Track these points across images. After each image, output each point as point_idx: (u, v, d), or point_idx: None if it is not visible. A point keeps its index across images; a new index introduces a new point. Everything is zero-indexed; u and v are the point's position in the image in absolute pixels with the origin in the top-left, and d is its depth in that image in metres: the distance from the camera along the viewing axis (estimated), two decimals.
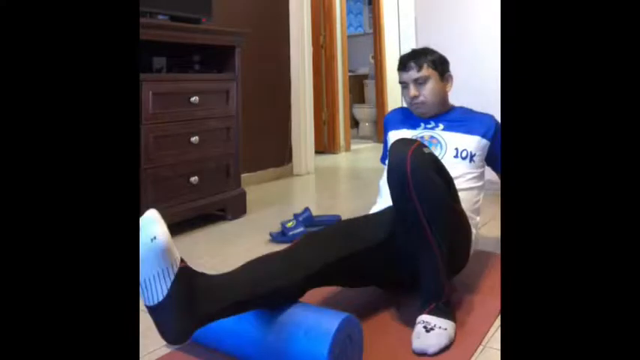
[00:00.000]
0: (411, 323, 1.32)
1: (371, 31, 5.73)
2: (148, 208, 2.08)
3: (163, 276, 0.99)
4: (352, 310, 1.25)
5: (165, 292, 0.99)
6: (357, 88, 6.28)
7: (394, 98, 5.19)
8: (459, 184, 1.47)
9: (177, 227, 2.35)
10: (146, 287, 1.00)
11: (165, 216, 2.17)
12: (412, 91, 1.65)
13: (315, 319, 1.14)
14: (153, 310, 1.01)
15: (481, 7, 2.97)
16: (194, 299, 1.03)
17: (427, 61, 1.65)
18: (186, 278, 1.03)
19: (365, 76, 6.31)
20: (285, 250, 1.27)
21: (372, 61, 5.83)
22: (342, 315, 1.14)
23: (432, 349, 1.21)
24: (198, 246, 2.15)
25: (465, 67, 3.04)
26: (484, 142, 1.66)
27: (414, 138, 1.49)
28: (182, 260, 1.05)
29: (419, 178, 1.23)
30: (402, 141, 1.31)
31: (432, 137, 1.66)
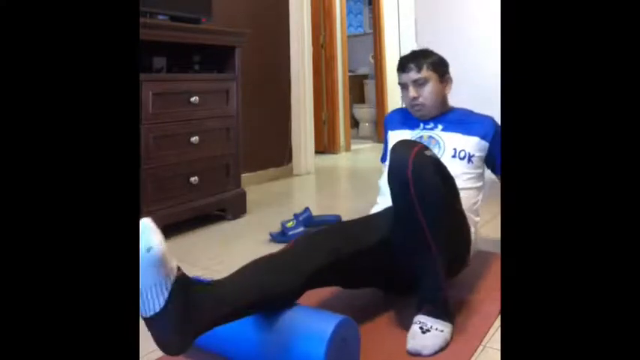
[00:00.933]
0: (409, 325, 1.31)
1: (371, 31, 5.73)
2: (148, 208, 2.10)
3: (160, 287, 0.99)
4: (349, 312, 1.24)
5: (162, 303, 0.98)
6: (357, 88, 6.28)
7: (394, 98, 5.18)
8: (457, 184, 1.48)
9: (176, 227, 2.35)
10: (143, 298, 0.99)
11: (165, 216, 2.19)
12: (412, 92, 1.65)
13: (312, 322, 1.14)
14: (150, 321, 1.00)
15: (481, 7, 2.97)
16: (191, 309, 1.02)
17: (427, 62, 1.65)
18: (183, 288, 1.02)
19: (365, 76, 6.31)
20: (281, 252, 1.26)
21: (372, 61, 5.83)
22: (338, 317, 1.13)
23: (426, 351, 1.21)
24: (197, 246, 2.15)
25: (465, 67, 3.04)
26: (483, 143, 1.66)
27: (413, 139, 1.50)
28: (178, 268, 1.05)
29: (420, 180, 1.22)
30: (404, 143, 1.30)
31: (430, 137, 1.66)
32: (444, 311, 1.29)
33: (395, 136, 1.74)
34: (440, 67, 1.69)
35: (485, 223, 2.37)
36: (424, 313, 1.28)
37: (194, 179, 2.34)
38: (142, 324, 1.42)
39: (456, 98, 3.03)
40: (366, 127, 6.09)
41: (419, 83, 1.64)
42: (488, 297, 1.52)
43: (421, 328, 1.25)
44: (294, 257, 1.23)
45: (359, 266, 1.35)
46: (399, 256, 1.38)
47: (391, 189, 1.29)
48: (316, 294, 1.49)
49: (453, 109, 1.77)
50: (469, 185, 1.59)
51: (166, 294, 0.99)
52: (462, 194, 1.48)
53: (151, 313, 0.98)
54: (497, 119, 3.03)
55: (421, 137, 1.67)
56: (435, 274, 1.28)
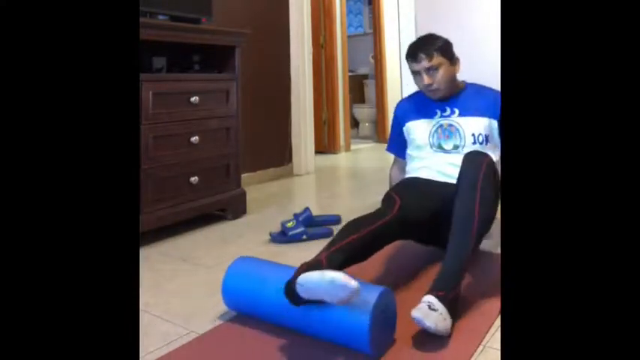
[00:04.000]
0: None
1: (371, 31, 5.72)
2: (147, 208, 2.10)
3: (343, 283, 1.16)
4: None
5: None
6: (357, 88, 6.28)
7: (394, 98, 5.18)
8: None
9: (176, 227, 2.36)
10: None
11: (165, 216, 2.19)
12: (426, 79, 1.78)
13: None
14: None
15: (481, 6, 2.97)
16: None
17: (436, 49, 1.77)
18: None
19: (365, 76, 6.31)
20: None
21: (372, 61, 5.83)
22: (380, 288, 1.23)
23: (429, 323, 1.23)
24: (198, 246, 2.15)
25: (465, 66, 3.04)
26: (491, 121, 1.82)
27: (435, 125, 1.81)
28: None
29: (486, 181, 1.46)
30: (475, 153, 1.54)
31: (450, 125, 1.81)
32: (453, 304, 1.33)
33: (415, 127, 1.88)
34: (448, 50, 1.82)
35: None
36: (435, 296, 1.30)
37: (194, 179, 2.34)
38: (141, 323, 1.43)
39: None
40: (366, 127, 6.08)
41: (432, 70, 1.77)
42: (488, 297, 1.52)
43: (429, 306, 1.27)
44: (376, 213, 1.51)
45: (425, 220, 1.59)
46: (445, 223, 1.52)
47: (462, 177, 1.50)
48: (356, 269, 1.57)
49: (465, 87, 1.92)
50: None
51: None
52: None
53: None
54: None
55: (442, 126, 1.81)
56: (461, 262, 1.38)
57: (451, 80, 1.83)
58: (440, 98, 1.84)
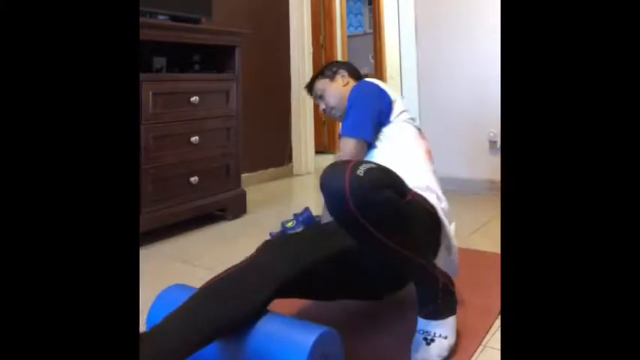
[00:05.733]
0: (395, 332, 1.27)
1: (371, 31, 5.72)
2: (147, 208, 2.10)
3: None
4: (329, 323, 1.12)
5: None
6: None
7: None
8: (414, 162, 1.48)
9: (176, 227, 2.36)
10: None
11: (165, 216, 2.19)
12: (320, 106, 1.75)
13: (290, 335, 1.04)
14: None
15: (481, 6, 2.97)
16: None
17: (316, 80, 1.77)
18: None
19: (365, 76, 6.30)
20: (244, 267, 1.22)
21: (372, 61, 5.83)
22: (320, 329, 1.03)
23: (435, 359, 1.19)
24: (198, 246, 2.15)
25: (465, 66, 3.04)
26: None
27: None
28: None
29: (361, 203, 1.08)
30: (333, 167, 1.14)
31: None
32: (446, 303, 1.25)
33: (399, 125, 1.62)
34: (325, 71, 1.78)
35: (484, 223, 2.37)
36: (425, 317, 1.23)
37: (194, 179, 2.34)
38: (142, 323, 1.43)
39: (457, 95, 3.05)
40: None
41: (319, 96, 1.74)
42: (488, 297, 1.52)
43: (425, 338, 1.21)
44: (258, 270, 1.19)
45: (328, 274, 1.29)
46: (369, 265, 1.33)
47: (334, 217, 1.16)
48: (290, 303, 1.40)
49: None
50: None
51: None
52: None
53: None
54: (498, 117, 3.03)
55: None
56: (419, 274, 1.22)
57: (339, 95, 1.69)
58: (341, 118, 1.71)
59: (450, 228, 1.42)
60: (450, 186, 3.10)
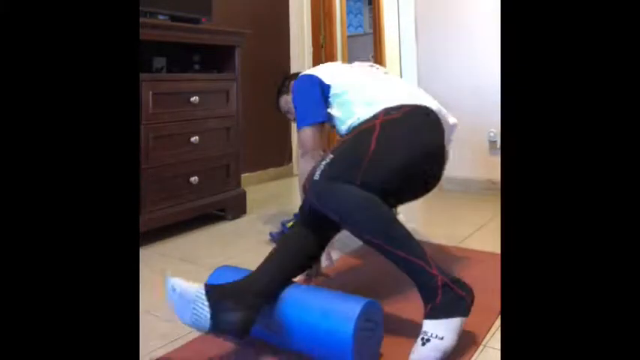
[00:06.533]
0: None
1: (371, 31, 5.72)
2: (147, 208, 2.10)
3: (199, 307, 1.15)
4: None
5: (209, 313, 1.14)
6: None
7: None
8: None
9: (176, 227, 2.36)
10: (195, 324, 1.15)
11: (165, 216, 2.19)
12: (291, 119, 2.02)
13: (339, 303, 1.19)
14: (214, 331, 1.16)
15: (481, 6, 2.97)
16: (231, 299, 1.17)
17: (278, 100, 2.09)
18: (215, 291, 1.17)
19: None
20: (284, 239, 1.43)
21: (372, 61, 5.83)
22: (364, 300, 1.18)
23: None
24: (198, 246, 2.15)
25: (466, 65, 3.04)
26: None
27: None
28: (204, 284, 1.19)
29: (316, 195, 1.33)
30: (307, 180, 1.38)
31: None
32: (445, 303, 1.22)
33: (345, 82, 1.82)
34: (282, 88, 2.07)
35: (484, 223, 2.37)
36: (427, 317, 1.22)
37: (194, 179, 2.34)
38: (141, 323, 1.43)
39: (458, 94, 3.05)
40: None
41: (286, 111, 2.07)
42: (488, 297, 1.52)
43: (422, 338, 1.20)
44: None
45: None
46: None
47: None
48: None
49: None
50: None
51: (207, 306, 1.14)
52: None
53: (209, 325, 1.13)
54: (498, 116, 3.03)
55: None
56: (413, 271, 1.25)
57: (289, 105, 2.01)
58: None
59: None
60: (450, 186, 3.10)
